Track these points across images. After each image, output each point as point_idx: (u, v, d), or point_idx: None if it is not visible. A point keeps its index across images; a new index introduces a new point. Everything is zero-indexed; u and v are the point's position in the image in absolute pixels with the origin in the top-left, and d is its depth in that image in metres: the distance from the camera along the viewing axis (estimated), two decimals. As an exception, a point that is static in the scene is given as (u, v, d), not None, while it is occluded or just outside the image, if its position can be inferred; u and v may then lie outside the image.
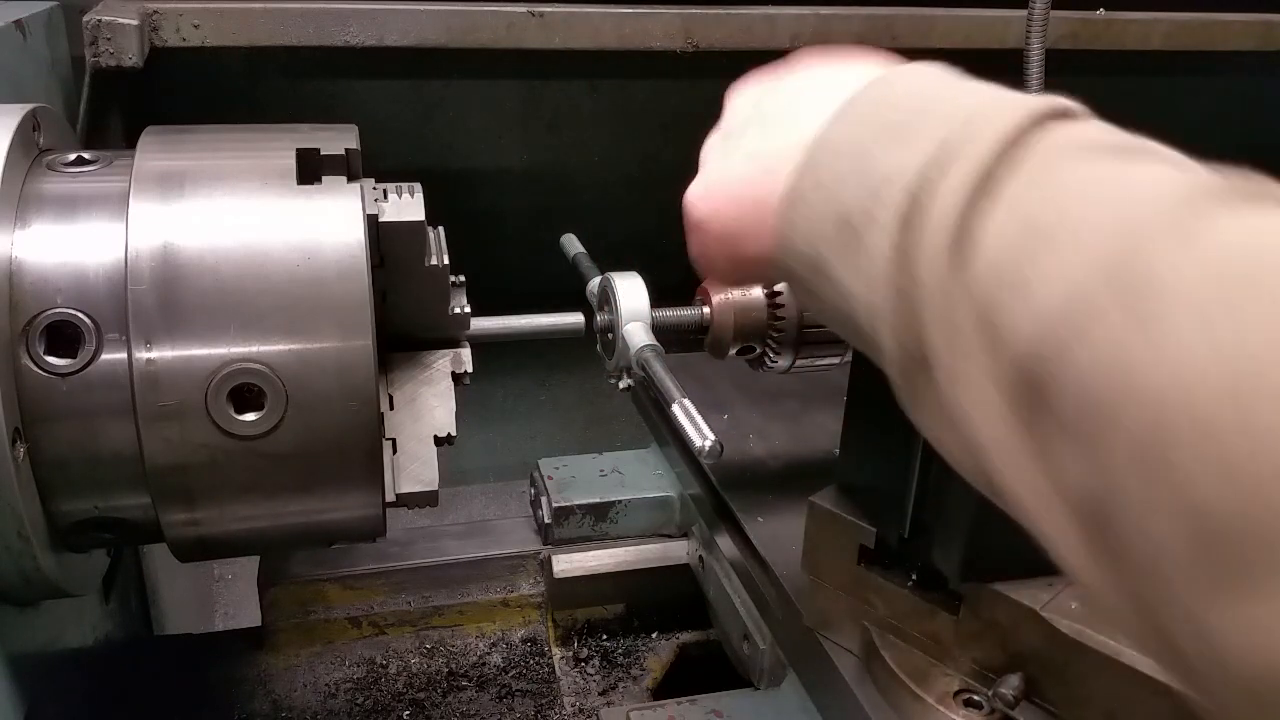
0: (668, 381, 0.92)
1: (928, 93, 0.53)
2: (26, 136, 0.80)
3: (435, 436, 0.90)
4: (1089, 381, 0.40)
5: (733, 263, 0.67)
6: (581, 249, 1.17)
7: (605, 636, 1.33)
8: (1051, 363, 0.41)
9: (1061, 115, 0.49)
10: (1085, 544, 0.43)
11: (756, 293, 1.07)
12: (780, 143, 0.60)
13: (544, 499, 1.33)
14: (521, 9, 1.45)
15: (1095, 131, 0.48)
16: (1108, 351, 0.39)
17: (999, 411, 0.44)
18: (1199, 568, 0.36)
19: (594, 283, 1.10)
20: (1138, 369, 0.38)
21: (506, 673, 1.27)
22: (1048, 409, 0.42)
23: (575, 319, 1.06)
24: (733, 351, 1.10)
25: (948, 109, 0.50)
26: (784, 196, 0.57)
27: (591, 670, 1.29)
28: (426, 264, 0.89)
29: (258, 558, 1.31)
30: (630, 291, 1.04)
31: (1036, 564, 0.83)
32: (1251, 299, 0.36)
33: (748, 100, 0.69)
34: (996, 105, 0.49)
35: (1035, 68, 1.35)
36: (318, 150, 0.81)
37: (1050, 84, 1.36)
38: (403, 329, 0.93)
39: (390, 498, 0.85)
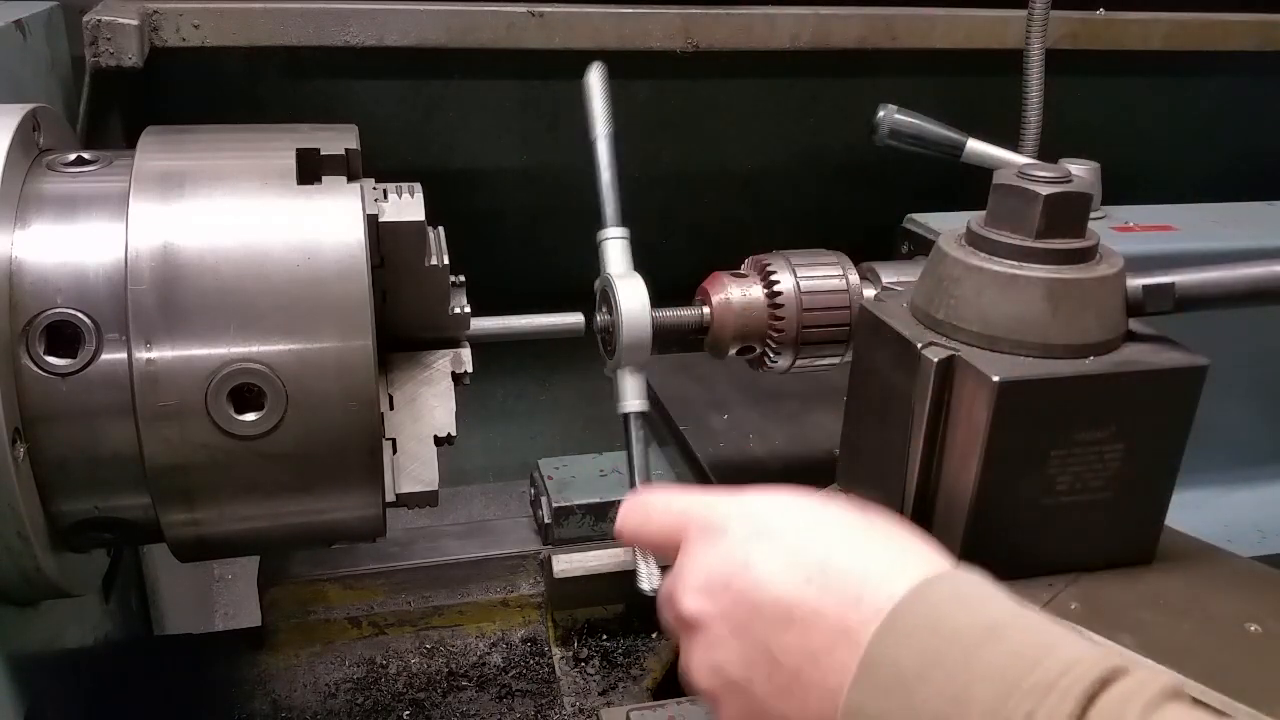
0: (639, 460, 1.01)
1: (957, 655, 0.51)
2: (26, 136, 0.80)
3: (435, 436, 0.89)
4: None
5: None
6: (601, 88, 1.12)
7: (605, 636, 1.32)
8: None
9: (1101, 692, 0.48)
10: None
11: (756, 292, 1.07)
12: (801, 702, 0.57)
13: (544, 499, 1.33)
14: (521, 9, 1.44)
15: None
16: None
17: None
18: None
19: (601, 234, 1.09)
20: None
21: (506, 673, 1.27)
22: None
23: (575, 319, 1.06)
24: (733, 351, 1.10)
25: (990, 695, 0.49)
26: None
27: (591, 670, 1.29)
28: (426, 264, 0.89)
29: (258, 558, 1.31)
30: (630, 291, 1.04)
31: (1036, 564, 0.83)
32: None
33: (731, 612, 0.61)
34: (1041, 694, 0.48)
35: (1035, 68, 1.35)
36: (318, 150, 0.81)
37: (1050, 84, 1.36)
38: (403, 329, 0.93)
39: (390, 498, 0.85)
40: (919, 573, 0.56)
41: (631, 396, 1.06)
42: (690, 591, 0.63)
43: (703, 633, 0.62)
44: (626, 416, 1.07)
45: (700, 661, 0.63)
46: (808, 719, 0.57)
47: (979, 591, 0.56)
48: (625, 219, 1.09)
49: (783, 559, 0.59)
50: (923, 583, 0.55)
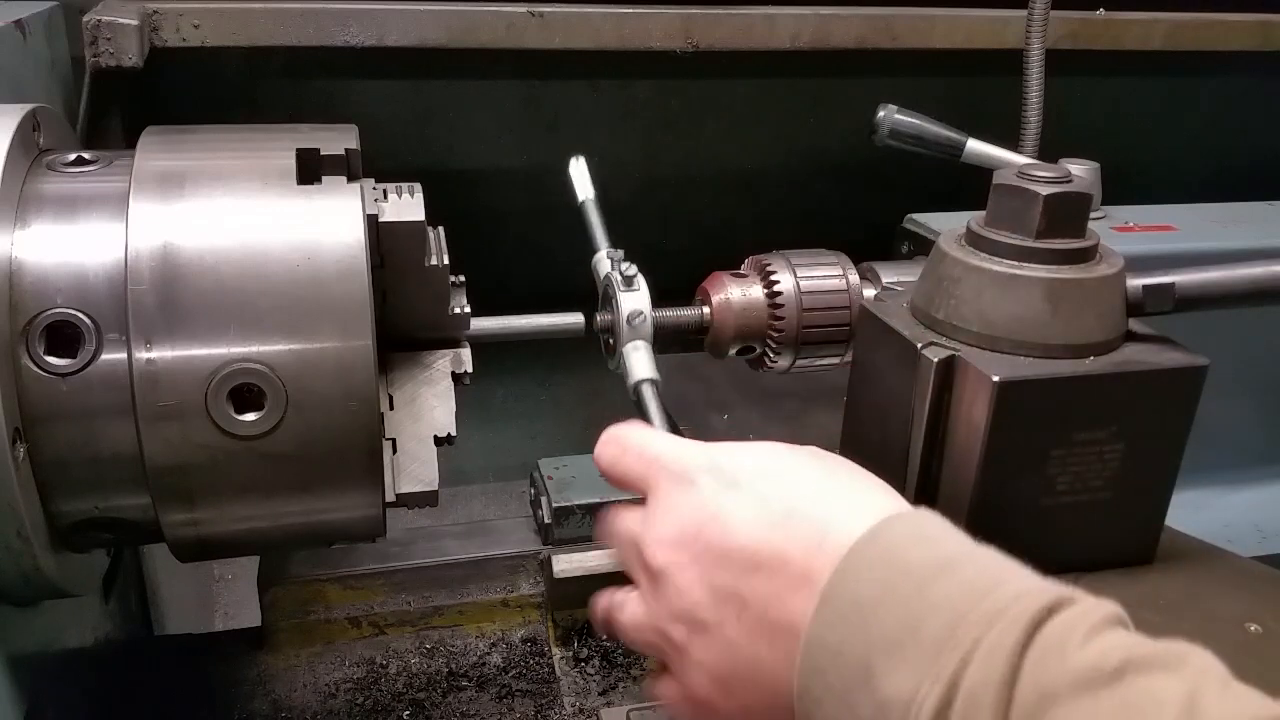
0: (657, 420, 0.96)
1: (911, 587, 0.53)
2: (26, 136, 0.80)
3: (435, 436, 0.90)
4: None
5: None
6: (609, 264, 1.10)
7: (605, 636, 1.32)
8: None
9: (1047, 619, 0.50)
10: None
11: (757, 292, 1.07)
12: (766, 644, 0.59)
13: (544, 499, 1.33)
14: (521, 9, 1.44)
15: (1079, 656, 0.48)
16: None
17: None
18: None
19: (599, 260, 1.08)
20: None
21: (506, 673, 1.27)
22: None
23: (575, 319, 1.06)
24: (733, 351, 1.10)
25: (941, 623, 0.51)
26: (798, 693, 0.57)
27: (591, 670, 1.29)
28: (426, 264, 0.89)
29: (258, 558, 1.31)
30: (631, 292, 1.04)
31: (1036, 564, 0.83)
32: None
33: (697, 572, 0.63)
34: (989, 622, 0.50)
35: (1035, 68, 1.35)
36: (318, 150, 0.81)
37: (1050, 84, 1.36)
38: (403, 329, 0.93)
39: (390, 498, 0.85)
40: (878, 514, 0.59)
41: (641, 369, 1.00)
42: (660, 543, 0.65)
43: (672, 581, 0.64)
44: (639, 387, 0.98)
45: (665, 610, 0.65)
46: (774, 656, 0.59)
47: (935, 529, 0.58)
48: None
49: (751, 508, 0.62)
50: (881, 522, 0.58)
